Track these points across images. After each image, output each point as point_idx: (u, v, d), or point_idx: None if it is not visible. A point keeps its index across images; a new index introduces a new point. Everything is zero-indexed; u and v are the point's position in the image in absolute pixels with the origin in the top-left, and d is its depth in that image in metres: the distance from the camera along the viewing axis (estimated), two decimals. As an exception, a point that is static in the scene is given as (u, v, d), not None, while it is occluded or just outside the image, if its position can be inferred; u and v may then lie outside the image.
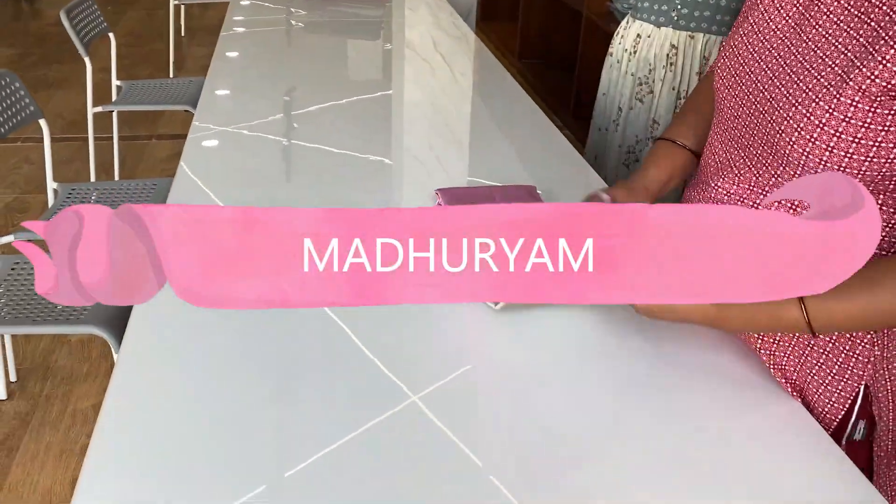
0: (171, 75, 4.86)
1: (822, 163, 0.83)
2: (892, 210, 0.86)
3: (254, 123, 1.80)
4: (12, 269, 1.86)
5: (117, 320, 1.66)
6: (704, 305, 0.82)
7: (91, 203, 2.17)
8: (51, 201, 2.33)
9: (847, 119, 0.80)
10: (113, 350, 1.62)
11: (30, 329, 1.68)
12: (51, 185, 2.30)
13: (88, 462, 0.81)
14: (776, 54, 0.92)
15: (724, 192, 0.99)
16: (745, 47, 0.99)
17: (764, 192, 0.94)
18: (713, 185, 1.02)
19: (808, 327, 0.76)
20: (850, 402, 0.94)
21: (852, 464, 0.85)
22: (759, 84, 0.94)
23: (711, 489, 0.81)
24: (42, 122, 2.23)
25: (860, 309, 0.77)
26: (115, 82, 3.22)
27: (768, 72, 0.92)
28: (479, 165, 1.62)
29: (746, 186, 0.96)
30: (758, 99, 0.93)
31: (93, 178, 3.18)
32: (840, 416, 0.95)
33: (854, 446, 0.96)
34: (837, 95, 0.81)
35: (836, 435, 0.96)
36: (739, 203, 0.98)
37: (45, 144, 2.24)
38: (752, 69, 0.96)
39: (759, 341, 0.99)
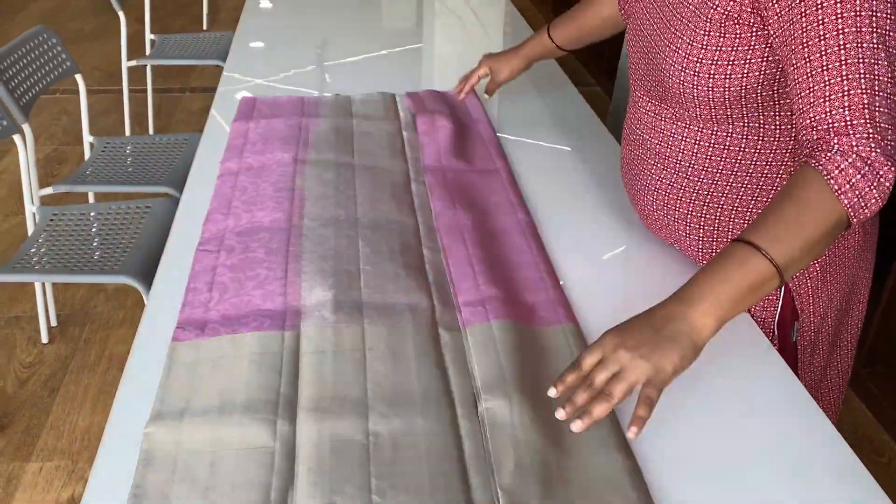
0: (204, 27, 4.90)
1: (695, 87, 0.99)
2: (756, 126, 1.00)
3: (286, 75, 1.84)
4: (51, 220, 1.95)
5: (148, 271, 1.74)
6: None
7: (125, 156, 2.25)
8: (87, 154, 2.41)
9: (704, 47, 0.96)
10: (145, 298, 1.71)
11: (68, 278, 1.77)
12: (87, 138, 2.38)
13: (118, 404, 0.88)
14: None
15: (645, 110, 1.14)
16: None
17: (671, 114, 1.08)
18: (638, 102, 1.16)
19: (777, 272, 0.80)
20: (777, 301, 1.10)
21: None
22: (643, 23, 1.11)
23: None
24: (78, 76, 2.29)
25: (810, 231, 0.82)
26: (148, 36, 3.28)
27: (647, 14, 1.09)
28: (504, 121, 1.64)
29: (656, 103, 1.10)
30: (643, 35, 1.10)
31: (128, 132, 3.26)
32: (776, 318, 1.11)
33: (790, 351, 1.13)
34: (694, 28, 0.97)
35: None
36: (657, 119, 1.11)
37: (82, 98, 2.31)
38: (639, 7, 1.13)
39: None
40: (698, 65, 0.97)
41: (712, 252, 1.14)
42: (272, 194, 1.26)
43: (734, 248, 0.81)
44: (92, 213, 2.00)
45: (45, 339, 2.23)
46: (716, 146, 1.04)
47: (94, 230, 1.93)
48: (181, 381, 0.90)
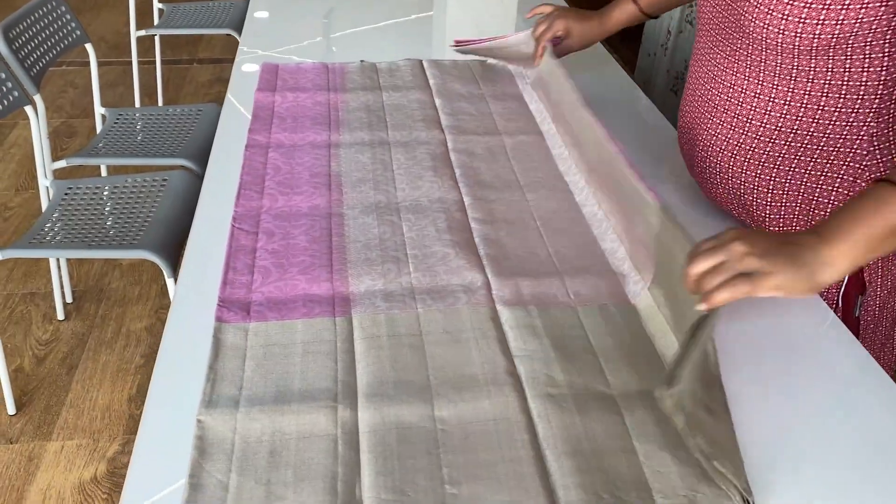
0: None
1: (781, 32, 0.92)
2: (839, 83, 0.94)
3: (293, 47, 1.77)
4: (66, 194, 1.89)
5: (167, 245, 1.69)
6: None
7: (138, 128, 2.18)
8: (98, 127, 2.34)
9: None
10: (165, 273, 1.65)
11: (84, 253, 1.72)
12: (98, 110, 2.31)
13: (155, 387, 0.84)
14: None
15: (713, 64, 1.07)
16: None
17: (743, 68, 1.02)
18: (706, 55, 1.09)
19: None
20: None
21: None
22: None
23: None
24: (88, 46, 2.22)
25: None
26: (157, 4, 3.19)
27: None
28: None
29: (728, 55, 1.04)
30: None
31: (137, 104, 3.19)
32: (841, 290, 1.05)
33: (852, 325, 1.06)
34: None
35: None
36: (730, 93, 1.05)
37: (92, 69, 2.24)
38: None
39: None
40: (789, 6, 0.90)
41: (780, 219, 1.07)
42: (308, 179, 1.20)
43: (878, 188, 0.77)
44: (107, 187, 1.94)
45: (60, 315, 2.18)
46: (791, 104, 0.98)
47: (110, 204, 1.87)
48: (231, 366, 0.85)
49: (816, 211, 1.05)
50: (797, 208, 1.06)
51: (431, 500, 0.71)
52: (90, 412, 1.89)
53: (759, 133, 1.02)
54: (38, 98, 1.91)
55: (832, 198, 1.03)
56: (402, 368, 0.86)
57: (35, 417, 1.87)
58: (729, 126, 1.05)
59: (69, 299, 2.25)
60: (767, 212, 1.08)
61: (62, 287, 2.19)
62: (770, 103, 1.00)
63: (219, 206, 1.15)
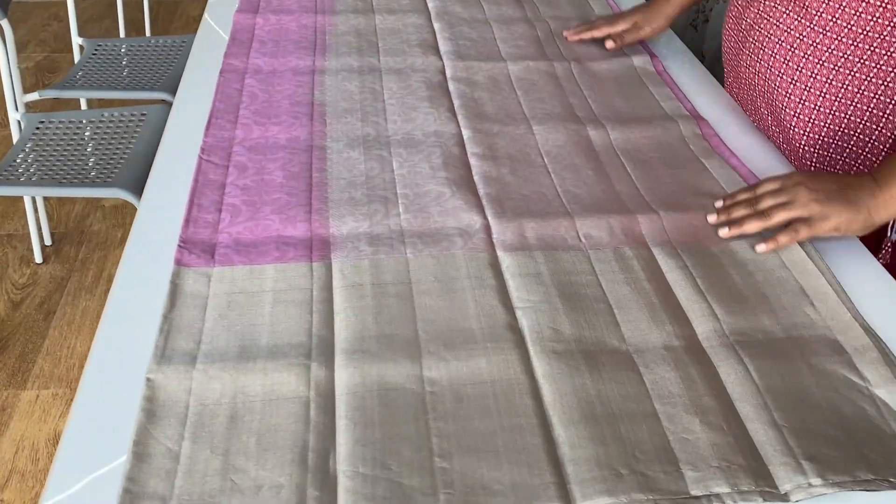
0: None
1: None
2: None
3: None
4: (38, 127, 1.76)
5: (144, 184, 1.57)
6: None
7: (118, 61, 2.04)
8: (76, 58, 2.20)
9: None
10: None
11: (57, 191, 1.60)
12: (76, 40, 2.16)
13: (100, 341, 0.73)
14: None
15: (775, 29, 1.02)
16: None
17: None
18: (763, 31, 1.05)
19: None
20: None
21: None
22: None
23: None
24: (63, -31, 2.06)
25: None
26: (142, -70, 3.00)
27: None
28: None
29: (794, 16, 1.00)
30: None
31: (122, 36, 3.03)
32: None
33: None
34: None
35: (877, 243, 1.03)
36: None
37: (68, -4, 2.09)
38: None
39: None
40: None
41: (806, 123, 1.01)
42: (288, 108, 1.07)
43: None
44: (83, 121, 1.80)
45: (38, 258, 2.07)
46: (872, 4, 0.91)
47: (85, 139, 1.74)
48: (189, 316, 0.74)
49: (845, 122, 1.00)
50: (840, 132, 1.00)
51: (418, 476, 0.61)
52: (67, 360, 1.79)
53: (827, 29, 0.96)
54: (5, 23, 1.76)
55: (864, 118, 0.99)
56: (387, 321, 0.74)
57: (9, 365, 1.77)
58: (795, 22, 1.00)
59: (48, 242, 2.13)
60: (807, 129, 1.03)
61: (39, 229, 2.08)
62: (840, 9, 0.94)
63: (187, 137, 1.02)
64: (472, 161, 0.99)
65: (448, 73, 1.20)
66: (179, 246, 0.82)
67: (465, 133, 1.05)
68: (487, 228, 0.87)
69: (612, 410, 0.67)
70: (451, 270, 0.81)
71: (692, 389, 0.69)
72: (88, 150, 1.70)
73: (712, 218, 0.88)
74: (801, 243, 0.85)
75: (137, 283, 0.79)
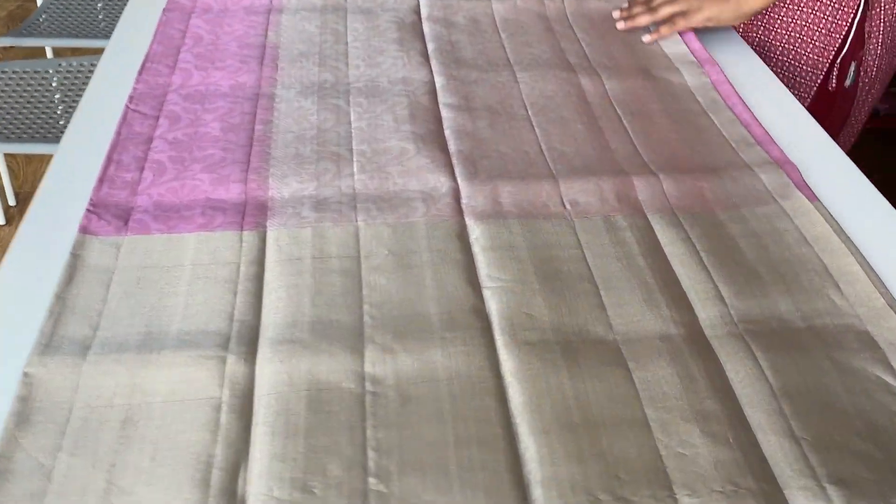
0: None
1: None
2: None
3: None
4: (-7, 77, 1.63)
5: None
6: None
7: (87, 7, 1.89)
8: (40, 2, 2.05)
9: None
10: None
11: (17, 147, 1.47)
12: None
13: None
14: None
15: None
16: None
17: None
18: None
19: None
20: (839, 40, 1.04)
21: None
22: None
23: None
24: None
25: None
26: None
27: None
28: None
29: None
30: None
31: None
32: (831, 58, 1.05)
33: (842, 94, 1.08)
34: None
35: (824, 82, 1.07)
36: None
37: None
38: None
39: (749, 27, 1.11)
40: None
41: None
42: (236, 51, 0.94)
43: None
44: (49, 70, 1.67)
45: (1, 220, 1.95)
46: None
47: (38, 92, 1.61)
48: (88, 295, 0.61)
49: None
50: None
51: (346, 502, 0.49)
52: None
53: None
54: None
55: None
56: (327, 304, 0.62)
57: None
58: None
59: (11, 202, 2.01)
60: None
61: (3, 189, 1.96)
62: None
63: (119, 84, 0.89)
64: (444, 113, 0.86)
65: (423, 12, 1.05)
66: (88, 210, 0.69)
67: (438, 80, 0.91)
68: (456, 192, 0.74)
69: (592, 417, 0.54)
70: (408, 242, 0.68)
71: (691, 390, 0.57)
72: (41, 103, 1.56)
73: (616, 13, 1.04)
74: (826, 219, 0.73)
75: (33, 256, 0.66)
